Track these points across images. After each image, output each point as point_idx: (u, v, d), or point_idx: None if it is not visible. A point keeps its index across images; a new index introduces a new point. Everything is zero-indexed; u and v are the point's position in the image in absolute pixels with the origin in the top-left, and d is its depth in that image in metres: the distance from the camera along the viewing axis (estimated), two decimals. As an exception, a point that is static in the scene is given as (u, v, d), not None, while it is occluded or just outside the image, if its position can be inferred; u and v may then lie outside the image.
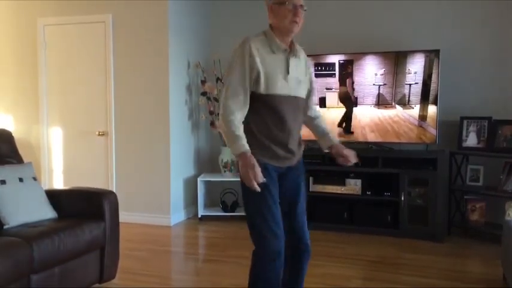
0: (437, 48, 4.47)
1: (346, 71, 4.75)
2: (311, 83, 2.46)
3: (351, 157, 2.41)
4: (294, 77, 2.27)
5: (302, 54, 2.38)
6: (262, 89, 2.19)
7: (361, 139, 4.74)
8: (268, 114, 2.22)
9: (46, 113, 5.35)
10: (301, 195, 2.39)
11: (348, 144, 4.78)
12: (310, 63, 2.42)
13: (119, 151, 5.12)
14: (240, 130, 2.13)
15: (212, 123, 5.30)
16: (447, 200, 4.61)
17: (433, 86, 4.48)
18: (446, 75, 4.55)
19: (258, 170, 2.07)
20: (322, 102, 4.85)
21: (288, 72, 2.25)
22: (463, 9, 4.69)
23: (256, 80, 2.18)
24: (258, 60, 2.16)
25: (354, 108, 4.76)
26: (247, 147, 2.11)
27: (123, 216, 3.87)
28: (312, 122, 2.55)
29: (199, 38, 5.46)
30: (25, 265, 2.56)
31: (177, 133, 5.05)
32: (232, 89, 2.16)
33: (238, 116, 2.15)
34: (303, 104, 2.38)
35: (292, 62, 2.27)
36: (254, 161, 2.08)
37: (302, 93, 2.34)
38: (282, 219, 2.25)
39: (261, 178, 2.07)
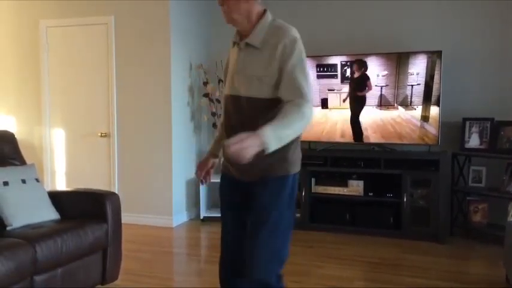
0: (439, 49, 4.47)
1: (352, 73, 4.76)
2: (281, 75, 1.80)
3: None
4: (242, 73, 1.87)
5: (269, 45, 1.82)
6: None
7: (363, 140, 4.74)
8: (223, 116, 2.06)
9: (48, 114, 5.36)
10: (253, 215, 1.93)
11: (352, 146, 4.87)
12: (287, 51, 1.80)
13: (121, 152, 5.13)
14: (217, 133, 2.26)
15: (214, 125, 5.31)
16: (449, 201, 4.60)
17: (435, 87, 4.47)
18: (448, 76, 4.55)
19: (199, 167, 2.24)
20: (324, 104, 4.84)
21: (236, 68, 1.90)
22: (463, 9, 4.68)
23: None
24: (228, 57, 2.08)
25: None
26: (211, 148, 2.26)
27: (126, 218, 3.86)
28: None
29: (201, 40, 5.46)
30: (28, 266, 2.56)
31: (179, 134, 5.05)
32: None
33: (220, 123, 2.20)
34: (254, 105, 1.84)
35: (243, 55, 1.89)
36: (206, 159, 2.24)
37: (251, 92, 1.83)
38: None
39: (199, 174, 2.25)
